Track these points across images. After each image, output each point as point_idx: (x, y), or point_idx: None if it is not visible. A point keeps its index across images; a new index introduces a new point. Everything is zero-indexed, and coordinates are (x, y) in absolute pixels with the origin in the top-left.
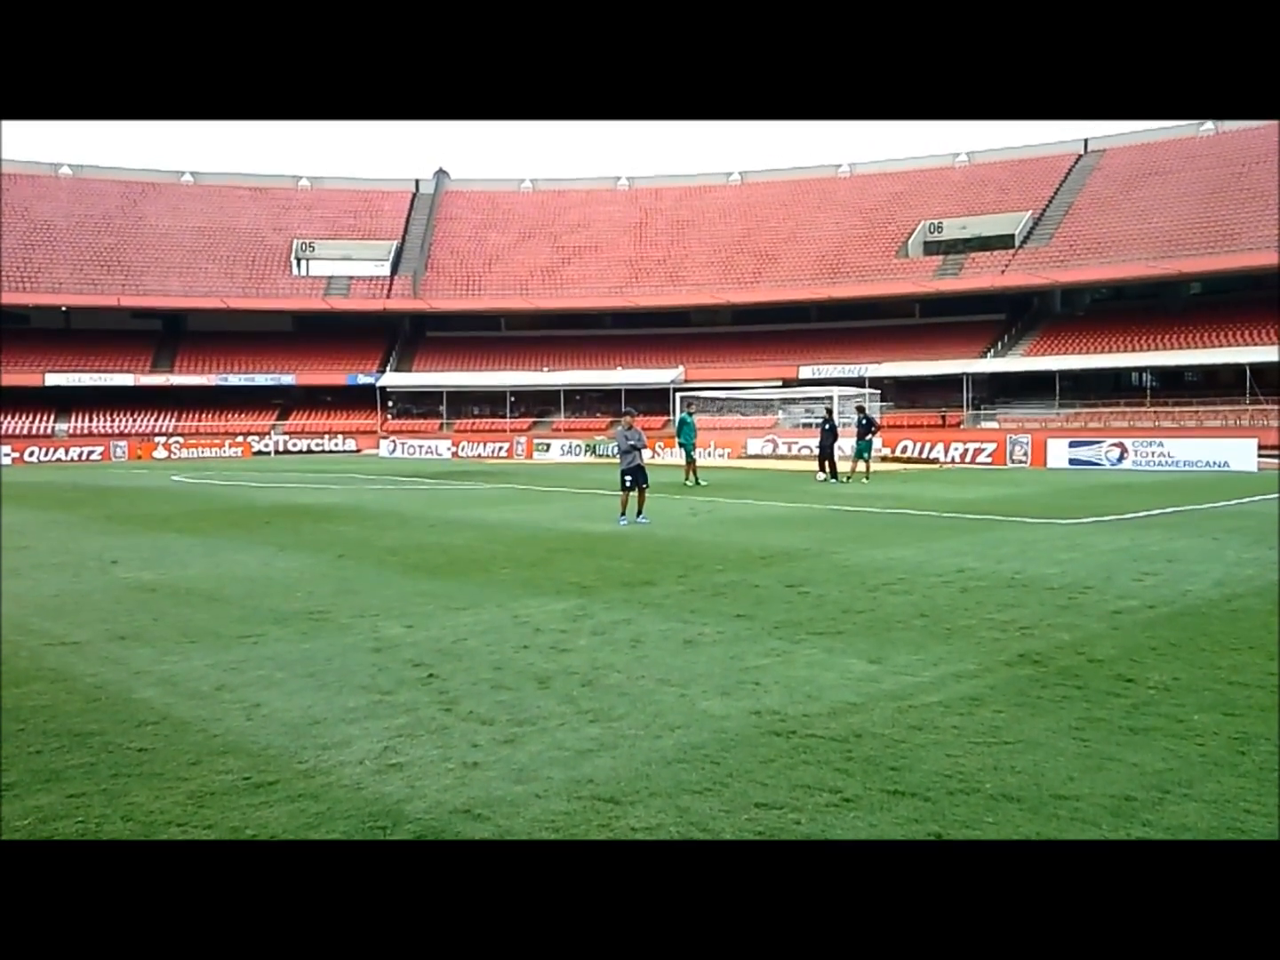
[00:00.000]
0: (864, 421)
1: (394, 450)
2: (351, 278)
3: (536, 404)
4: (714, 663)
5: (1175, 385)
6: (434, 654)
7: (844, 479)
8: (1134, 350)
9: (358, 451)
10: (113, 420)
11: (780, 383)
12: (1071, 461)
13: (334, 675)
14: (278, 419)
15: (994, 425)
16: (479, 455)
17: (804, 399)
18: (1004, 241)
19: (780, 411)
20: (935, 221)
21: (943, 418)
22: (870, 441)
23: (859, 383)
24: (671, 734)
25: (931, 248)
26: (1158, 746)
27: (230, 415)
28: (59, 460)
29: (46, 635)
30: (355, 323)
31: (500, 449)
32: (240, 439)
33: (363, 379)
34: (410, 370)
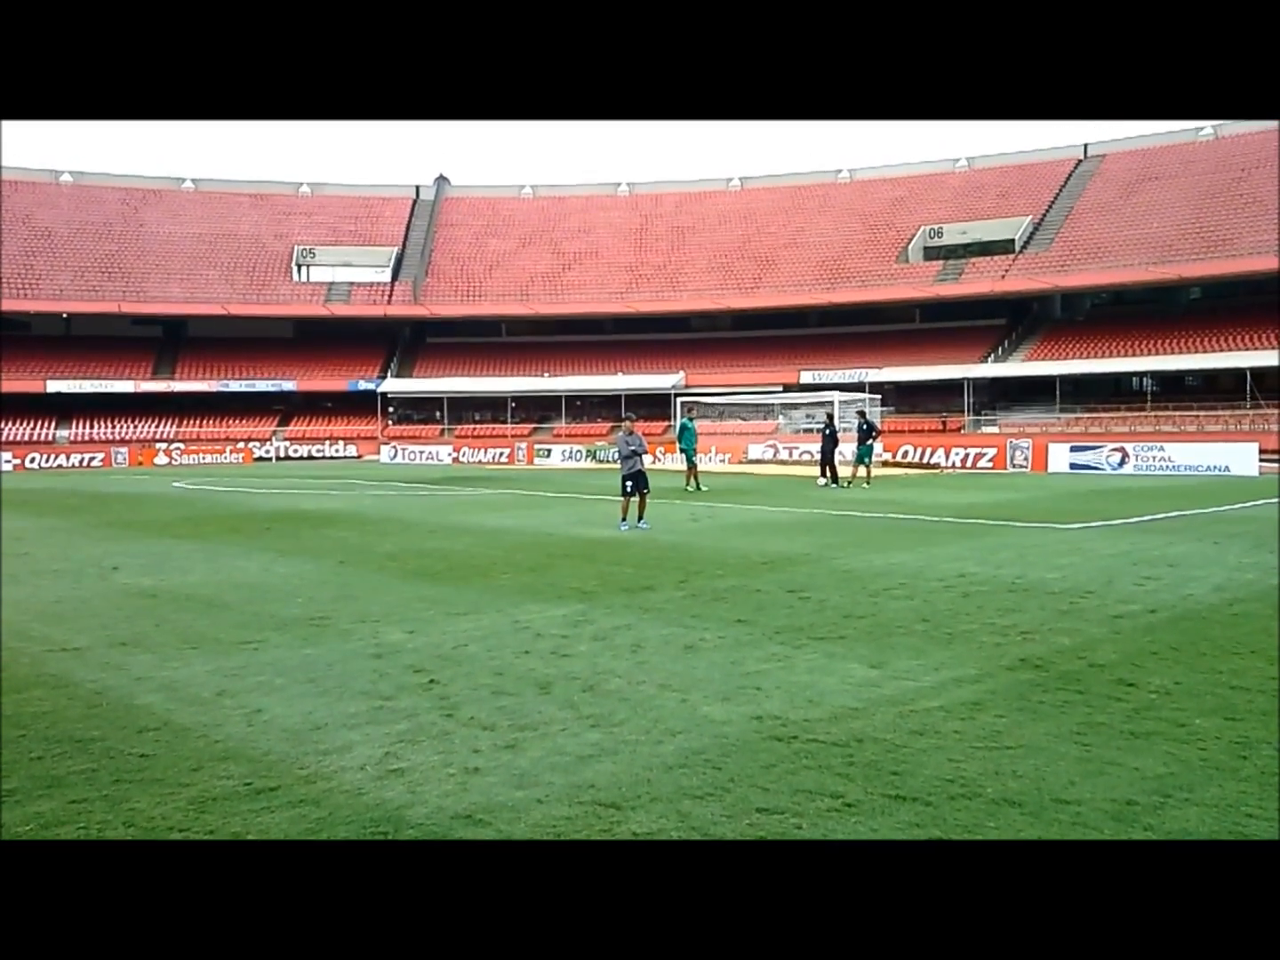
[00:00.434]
0: (865, 426)
1: (395, 456)
2: (352, 284)
3: (537, 409)
4: (715, 668)
5: (1176, 390)
6: (435, 659)
7: (845, 484)
8: (1134, 355)
9: (358, 457)
10: (113, 426)
11: (781, 388)
12: (1072, 466)
13: (335, 681)
14: (278, 425)
15: (995, 430)
16: (479, 461)
17: (805, 404)
18: (1004, 246)
19: (781, 417)
20: (935, 226)
21: (943, 423)
22: (871, 446)
23: (860, 388)
24: (672, 739)
25: (932, 253)
26: (1159, 751)
27: (231, 421)
28: (60, 467)
29: (47, 641)
30: (356, 329)
31: (501, 454)
32: (241, 445)
33: (363, 385)
34: (411, 376)
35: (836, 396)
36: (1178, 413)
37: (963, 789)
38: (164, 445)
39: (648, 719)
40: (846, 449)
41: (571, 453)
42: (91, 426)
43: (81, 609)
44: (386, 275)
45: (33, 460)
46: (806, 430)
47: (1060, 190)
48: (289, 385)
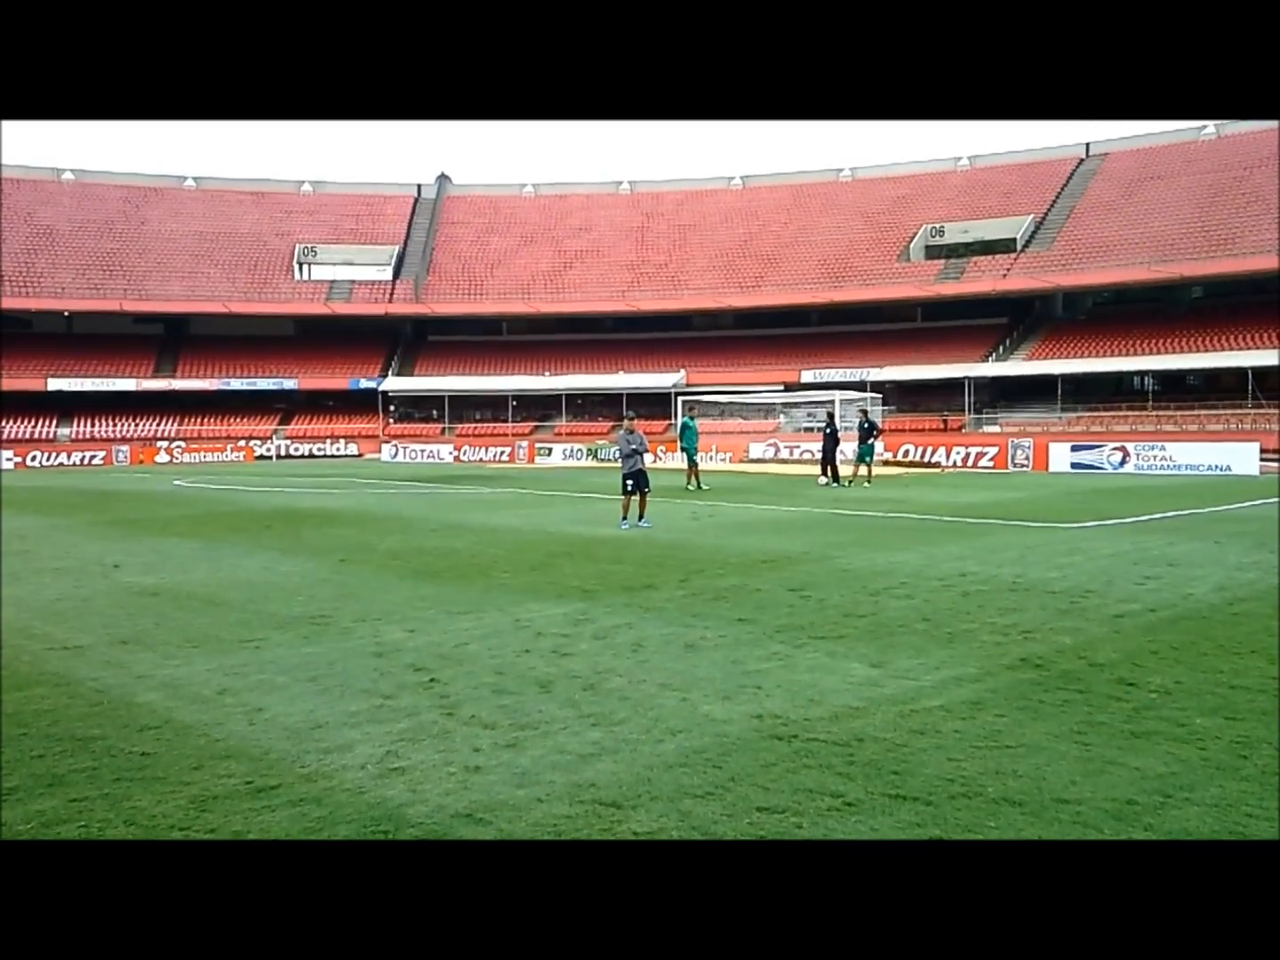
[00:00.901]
0: (866, 425)
1: (395, 454)
2: (353, 282)
3: (538, 408)
4: (715, 667)
5: (1177, 389)
6: (435, 658)
7: (846, 483)
8: (1136, 354)
9: (359, 456)
10: (115, 425)
11: (782, 387)
12: (1073, 465)
13: (335, 680)
14: (280, 423)
15: (996, 429)
16: (480, 459)
17: (806, 403)
18: (1006, 245)
19: (782, 416)
20: (937, 225)
21: (944, 422)
22: (872, 445)
23: (861, 387)
24: (673, 738)
25: (933, 251)
26: (1159, 750)
27: (232, 420)
28: (61, 465)
29: (48, 640)
30: (357, 327)
31: (502, 453)
32: (242, 443)
33: (364, 383)
34: (412, 375)
35: (838, 395)
36: (1179, 412)
37: (963, 788)
38: (165, 443)
39: (648, 718)
40: (847, 448)
41: (572, 451)
42: (93, 425)
43: (83, 607)
44: (388, 273)
45: (34, 458)
46: (807, 429)
47: (1062, 189)
48: (290, 383)
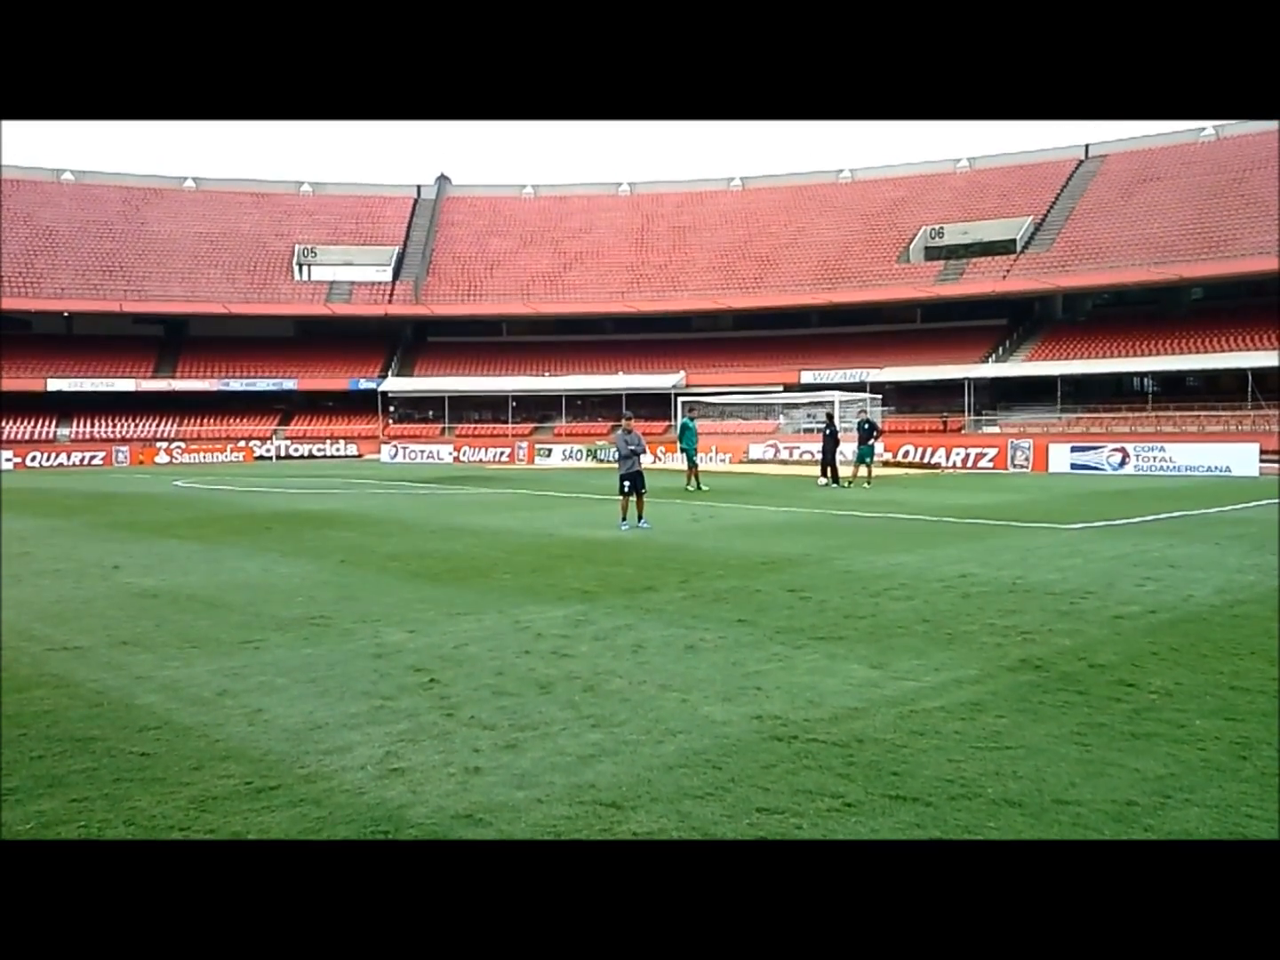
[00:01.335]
0: (866, 426)
1: (395, 455)
2: (353, 283)
3: (538, 409)
4: (715, 668)
5: (1177, 390)
6: (435, 660)
7: (846, 484)
8: (1135, 355)
9: (359, 456)
10: (114, 425)
11: (782, 388)
12: (1073, 466)
13: (335, 681)
14: (279, 424)
15: (995, 430)
16: (480, 460)
17: (806, 404)
18: (1005, 247)
19: (782, 416)
20: (936, 227)
21: (944, 423)
22: (872, 446)
23: (860, 388)
24: (673, 739)
25: (933, 253)
26: (1159, 752)
27: (232, 420)
28: (61, 465)
29: (48, 641)
30: (357, 328)
31: (502, 454)
32: (242, 444)
33: (364, 384)
34: (412, 375)
35: (837, 396)
36: (1178, 413)
37: (963, 789)
38: (165, 444)
39: (648, 719)
40: (847, 449)
41: (572, 452)
42: (92, 425)
43: (83, 609)
44: (388, 274)
45: (34, 459)
46: (807, 430)
47: (1061, 190)
48: (290, 384)
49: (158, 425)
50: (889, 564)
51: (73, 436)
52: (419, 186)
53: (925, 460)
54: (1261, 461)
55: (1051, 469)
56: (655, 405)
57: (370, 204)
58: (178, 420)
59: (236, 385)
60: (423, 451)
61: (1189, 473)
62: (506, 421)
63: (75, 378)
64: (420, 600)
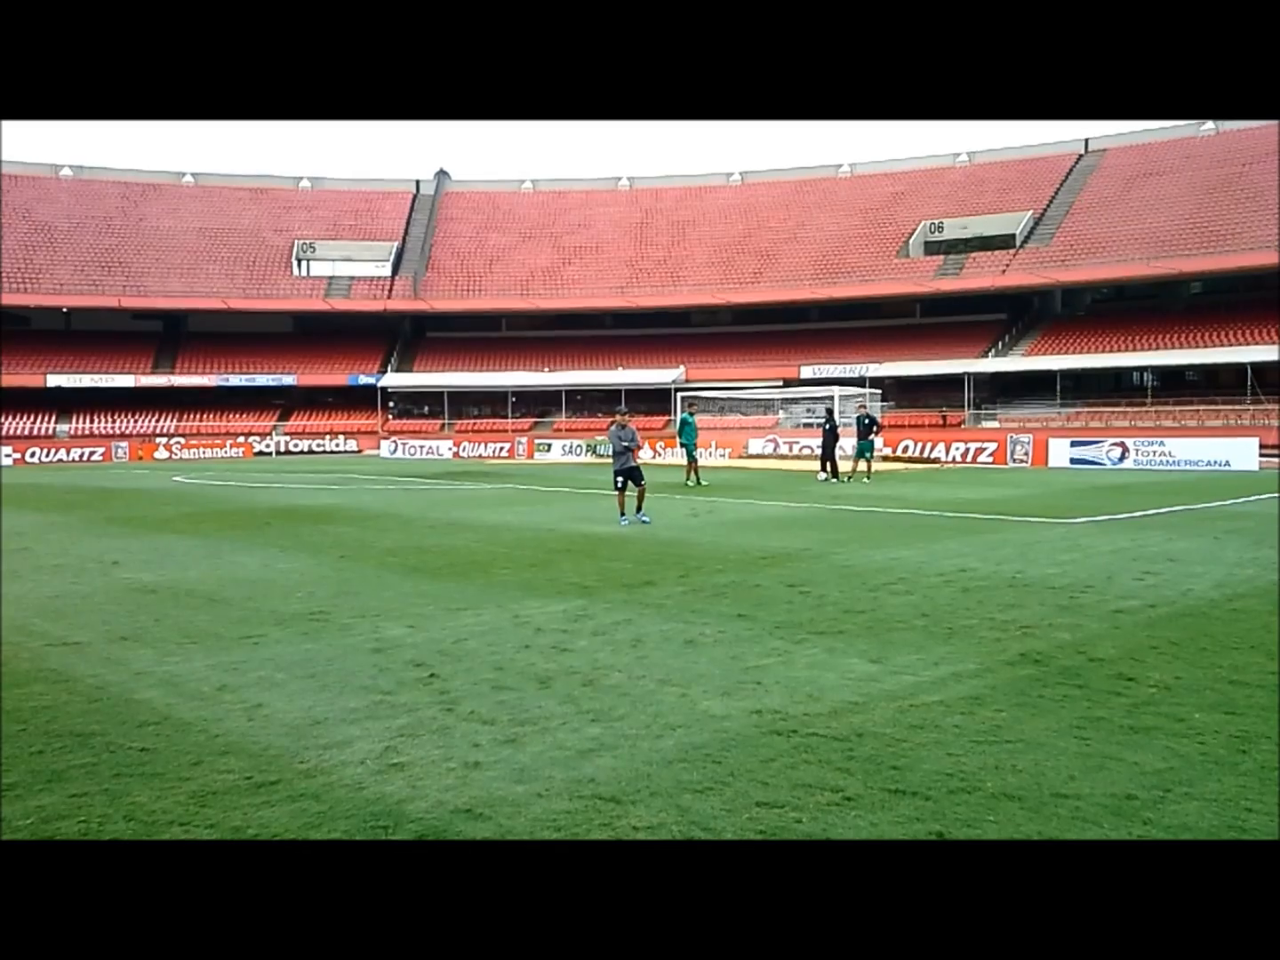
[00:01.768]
0: (866, 421)
1: (395, 451)
2: (352, 278)
3: (537, 404)
4: (715, 663)
5: (1176, 385)
6: (435, 655)
7: (845, 479)
8: (1135, 350)
9: (359, 452)
10: (114, 421)
11: (781, 383)
12: (1073, 461)
13: (335, 676)
14: (279, 420)
15: (995, 425)
16: (480, 456)
17: (805, 399)
18: (1005, 241)
19: (781, 411)
20: (936, 221)
21: (943, 417)
22: (872, 441)
23: (860, 383)
24: (672, 734)
25: (932, 247)
26: (1158, 746)
27: (231, 416)
28: (60, 461)
29: (47, 636)
30: (356, 323)
31: (501, 449)
32: (241, 440)
33: (363, 379)
34: (411, 371)
35: (837, 391)
36: (1178, 408)
37: (962, 783)
38: (164, 440)
39: (648, 714)
40: (847, 444)
41: (571, 447)
42: (91, 421)
43: (82, 604)
44: (387, 270)
45: (33, 455)
46: (807, 425)
47: (1061, 185)
48: (289, 380)
49: (157, 421)
50: (888, 559)
51: (72, 432)
52: (418, 181)
53: (925, 455)
54: (1261, 456)
55: (1051, 464)
56: (655, 400)
57: (369, 199)
58: (177, 416)
59: (236, 381)
60: (422, 447)
61: (1188, 467)
62: (506, 417)
63: (74, 373)
64: (419, 595)
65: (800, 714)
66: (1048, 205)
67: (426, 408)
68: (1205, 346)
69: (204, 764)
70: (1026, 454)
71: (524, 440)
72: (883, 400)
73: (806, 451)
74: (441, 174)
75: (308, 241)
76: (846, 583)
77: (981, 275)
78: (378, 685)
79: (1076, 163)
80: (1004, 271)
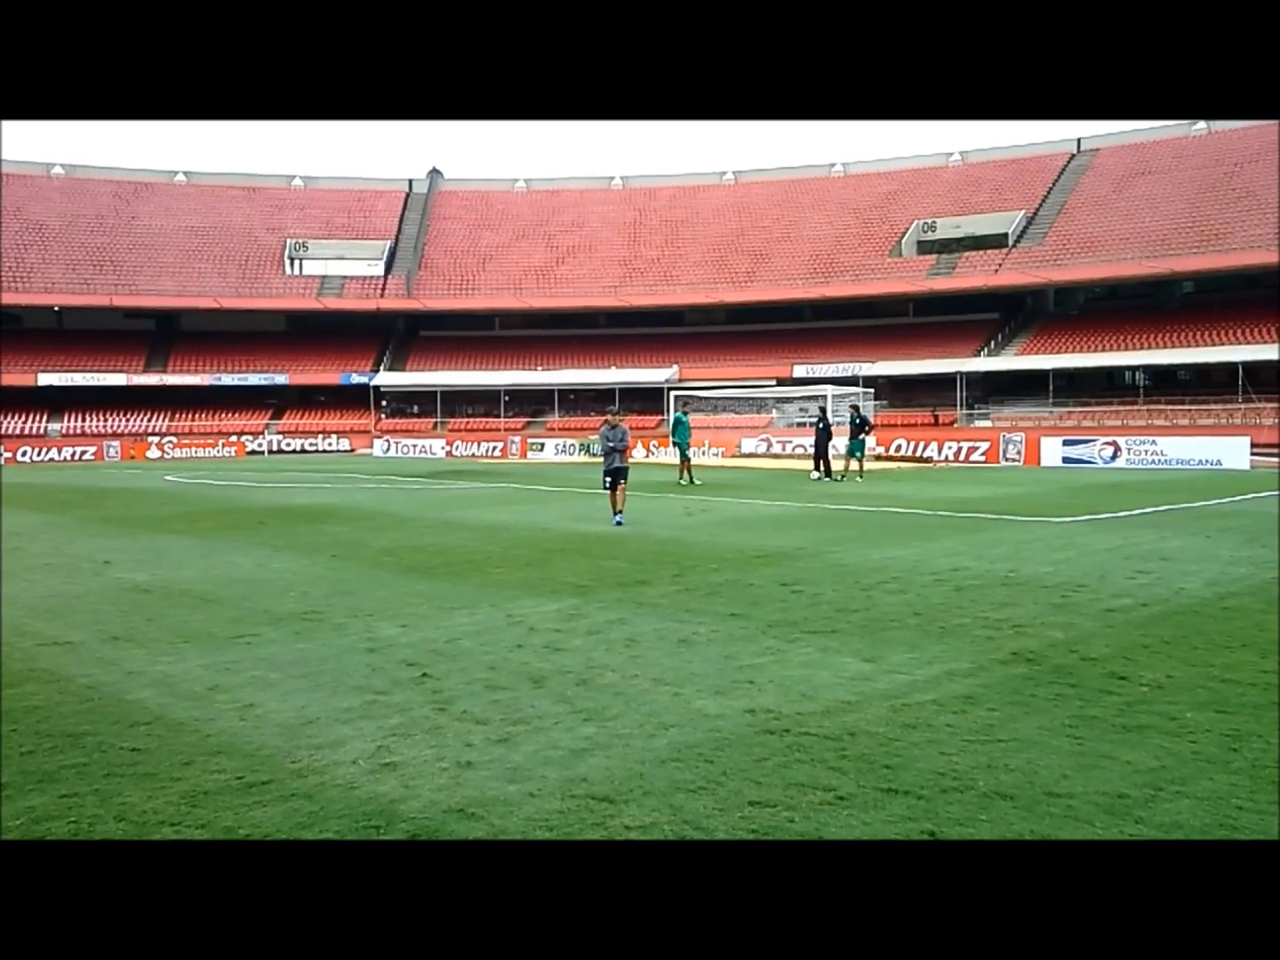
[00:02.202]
0: (858, 420)
1: (388, 450)
2: (345, 277)
3: (531, 403)
4: (709, 662)
5: (1168, 384)
6: (428, 654)
7: (839, 477)
8: (1127, 349)
9: (352, 451)
10: (106, 420)
11: (774, 382)
12: (1065, 460)
13: (328, 676)
14: (271, 419)
15: (988, 424)
16: (473, 455)
17: (798, 398)
18: (997, 241)
19: (774, 410)
20: (929, 221)
21: (936, 416)
22: (863, 440)
23: (853, 382)
24: (666, 733)
25: (925, 247)
26: (1151, 744)
27: (224, 415)
28: (52, 460)
29: (40, 636)
30: (349, 322)
31: (494, 448)
32: (234, 439)
33: (356, 378)
34: (404, 370)
35: (830, 390)
36: (1170, 407)
37: (955, 782)
38: (156, 439)
39: (641, 713)
40: (840, 443)
41: (565, 446)
42: (83, 420)
43: (75, 604)
44: (379, 269)
45: (24, 454)
46: (800, 424)
47: (1054, 184)
48: (281, 379)
49: (149, 420)
50: (882, 558)
51: (64, 431)
52: (411, 180)
53: (918, 454)
54: (1253, 454)
55: (1044, 462)
56: (648, 399)
57: (362, 198)
58: (169, 415)
59: (228, 380)
60: (415, 446)
61: (1181, 466)
62: (499, 416)
63: (66, 372)
64: (413, 595)
65: (794, 713)
66: (1040, 205)
67: (419, 407)
68: (1197, 346)
69: (196, 764)
70: (1019, 453)
71: (517, 439)
72: (876, 399)
73: (800, 450)
74: (434, 173)
75: (300, 240)
76: (840, 582)
77: (974, 275)
78: (371, 685)
79: (1069, 162)
80: (997, 271)
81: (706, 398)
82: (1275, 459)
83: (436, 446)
